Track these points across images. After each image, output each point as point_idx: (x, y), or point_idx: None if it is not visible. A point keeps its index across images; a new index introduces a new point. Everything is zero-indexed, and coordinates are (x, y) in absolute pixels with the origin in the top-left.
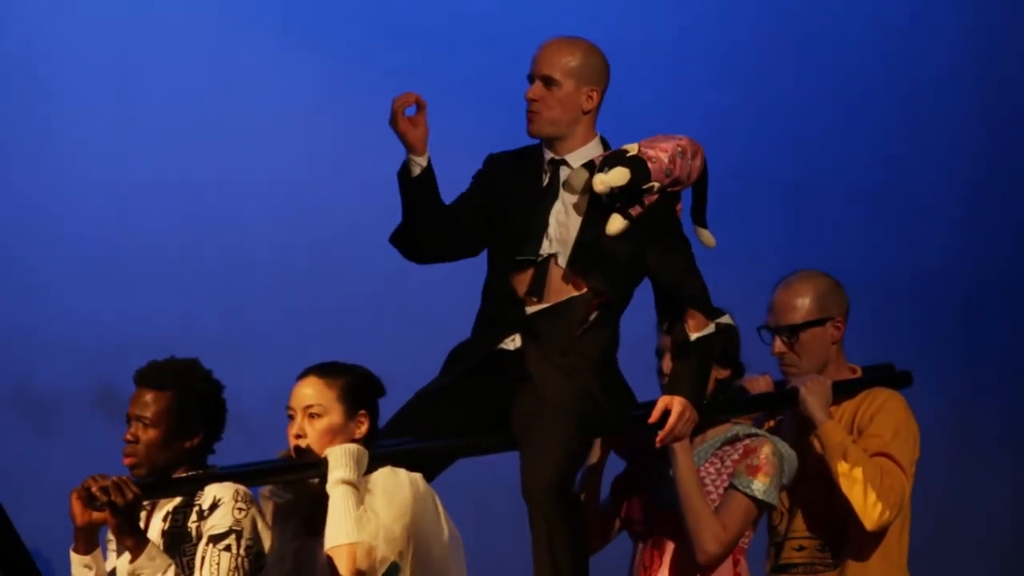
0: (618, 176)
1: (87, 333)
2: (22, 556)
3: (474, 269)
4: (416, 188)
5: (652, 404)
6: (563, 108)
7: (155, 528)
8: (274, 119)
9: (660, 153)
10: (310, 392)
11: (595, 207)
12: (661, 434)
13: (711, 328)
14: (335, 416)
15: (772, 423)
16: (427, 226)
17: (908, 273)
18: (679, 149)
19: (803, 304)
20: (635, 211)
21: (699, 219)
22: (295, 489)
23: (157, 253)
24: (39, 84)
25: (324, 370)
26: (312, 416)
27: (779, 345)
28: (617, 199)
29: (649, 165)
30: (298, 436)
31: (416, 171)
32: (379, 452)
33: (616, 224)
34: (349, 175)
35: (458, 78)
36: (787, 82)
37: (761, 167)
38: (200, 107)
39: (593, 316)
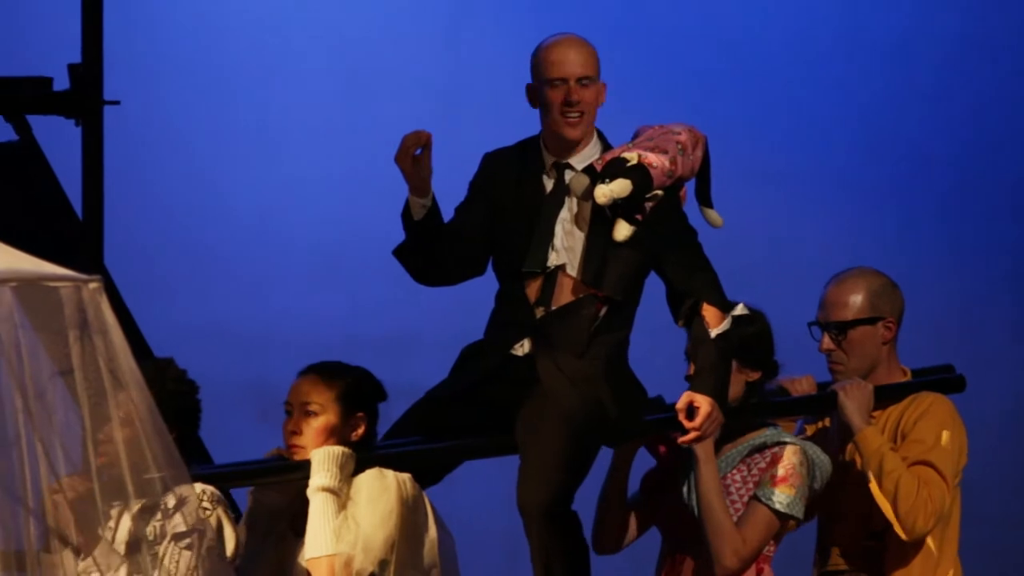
0: (620, 187)
1: (315, 330)
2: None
3: None
4: (419, 231)
5: (667, 409)
6: (595, 109)
7: (124, 526)
8: (498, 119)
9: (661, 157)
10: (308, 389)
11: (600, 213)
12: (688, 435)
13: (728, 322)
14: (331, 416)
15: (821, 424)
16: (432, 260)
17: None
18: (679, 147)
19: (855, 301)
20: (640, 216)
21: (705, 200)
22: (281, 489)
23: (383, 250)
24: (263, 87)
25: (325, 369)
26: (308, 414)
27: (827, 342)
28: (620, 208)
29: (651, 172)
30: (293, 432)
31: (419, 215)
32: (377, 454)
33: (623, 231)
34: None
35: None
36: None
37: (984, 163)
38: (422, 106)
39: (603, 312)
